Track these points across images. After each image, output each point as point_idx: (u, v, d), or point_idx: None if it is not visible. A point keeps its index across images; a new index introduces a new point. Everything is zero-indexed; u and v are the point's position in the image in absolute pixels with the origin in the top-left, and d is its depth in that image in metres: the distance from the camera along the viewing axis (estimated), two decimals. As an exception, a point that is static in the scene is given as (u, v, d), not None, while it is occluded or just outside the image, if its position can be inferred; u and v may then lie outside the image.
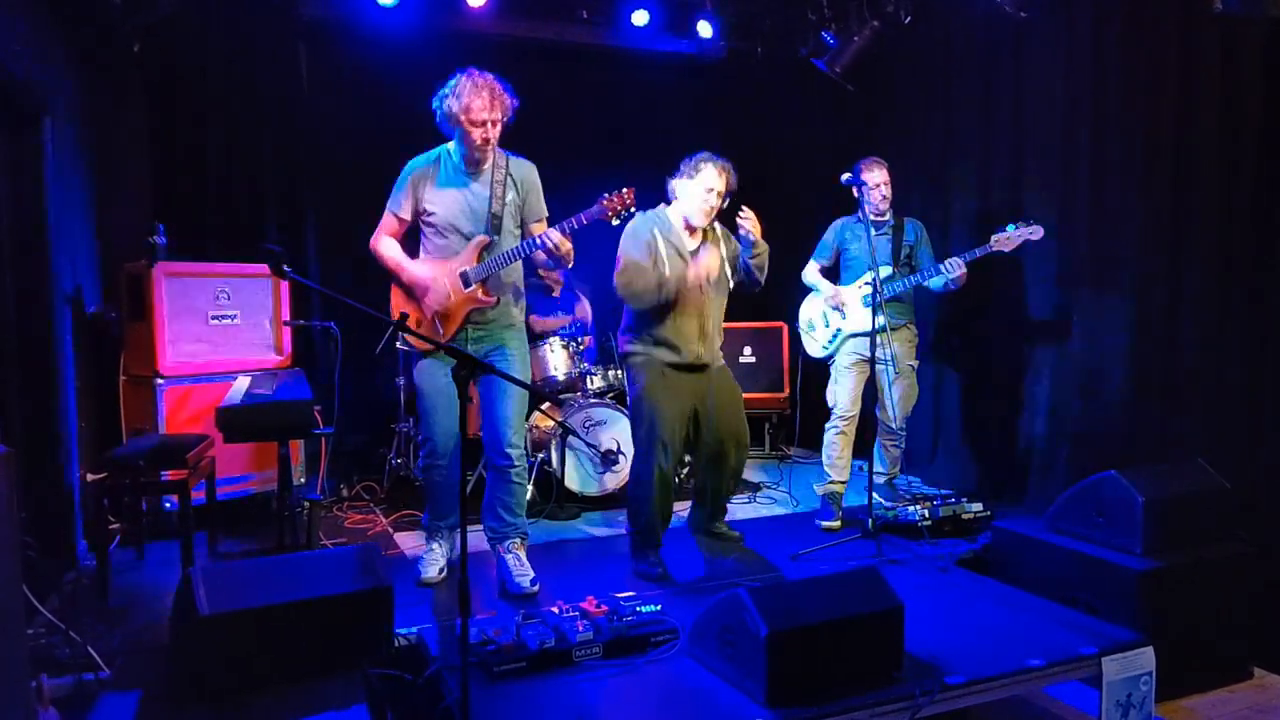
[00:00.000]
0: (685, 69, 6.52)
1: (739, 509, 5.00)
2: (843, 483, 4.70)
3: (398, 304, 3.74)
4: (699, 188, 3.83)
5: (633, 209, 3.47)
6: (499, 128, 3.50)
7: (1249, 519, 3.59)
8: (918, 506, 4.31)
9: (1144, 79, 4.16)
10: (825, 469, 4.71)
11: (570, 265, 3.73)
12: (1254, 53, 3.68)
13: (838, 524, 4.55)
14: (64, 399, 4.04)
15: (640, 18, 5.88)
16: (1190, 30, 3.94)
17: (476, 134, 3.46)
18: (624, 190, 3.45)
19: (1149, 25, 4.13)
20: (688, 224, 3.92)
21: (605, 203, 3.47)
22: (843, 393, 4.65)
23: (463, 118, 3.44)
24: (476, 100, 3.41)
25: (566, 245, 3.54)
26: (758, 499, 5.27)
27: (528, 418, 5.22)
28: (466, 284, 3.58)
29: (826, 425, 4.74)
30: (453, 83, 3.47)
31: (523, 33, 5.89)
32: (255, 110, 5.50)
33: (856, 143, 4.85)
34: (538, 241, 3.52)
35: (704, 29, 5.93)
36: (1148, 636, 3.00)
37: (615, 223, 3.50)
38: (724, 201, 3.89)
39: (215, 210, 5.42)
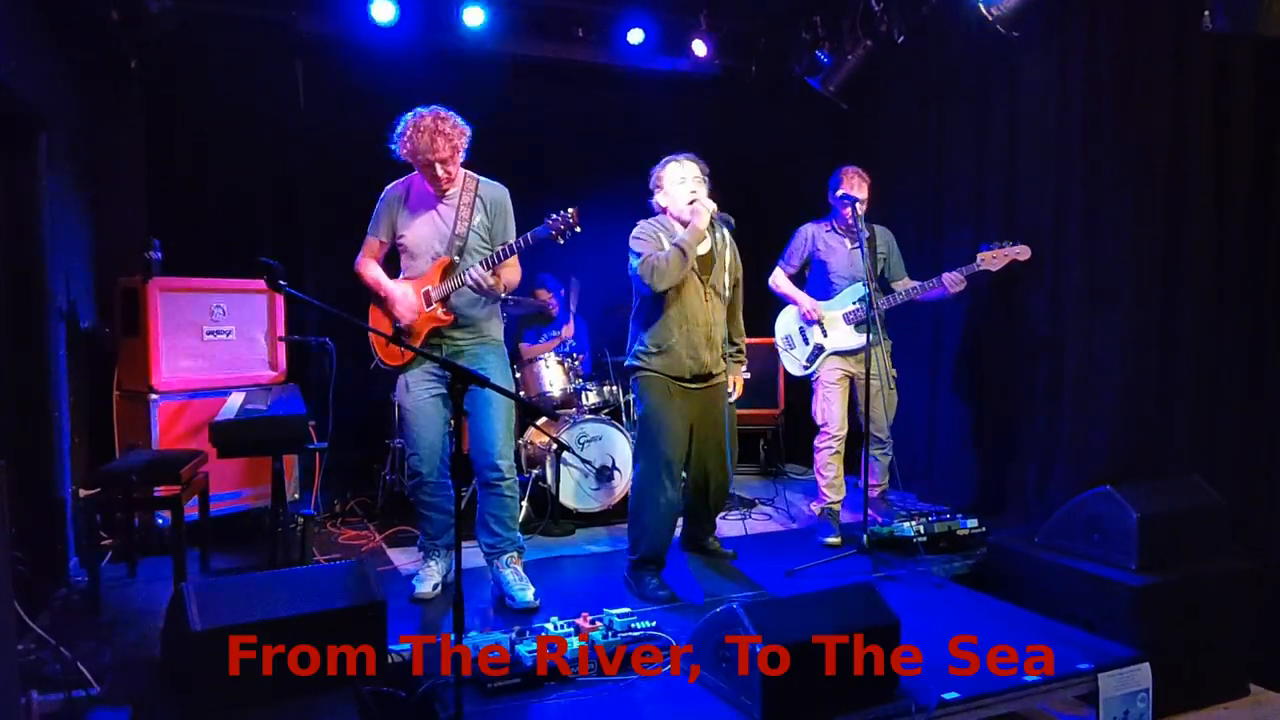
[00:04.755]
0: (680, 87, 6.56)
1: (733, 525, 4.98)
2: (840, 501, 4.70)
3: (374, 323, 3.82)
4: (673, 186, 3.89)
5: (577, 229, 3.49)
6: (452, 161, 3.61)
7: (1245, 535, 3.59)
8: (913, 522, 4.30)
9: (1137, 97, 4.19)
10: (823, 489, 4.67)
11: (502, 296, 3.75)
12: (1245, 69, 3.72)
13: (839, 540, 4.51)
14: (57, 413, 4.03)
15: (636, 36, 5.92)
16: (1182, 48, 3.97)
17: (427, 173, 3.61)
18: (569, 210, 3.48)
19: (1141, 44, 4.17)
20: (683, 221, 3.91)
21: (550, 222, 3.51)
22: (835, 409, 4.62)
23: (411, 159, 3.60)
24: (420, 143, 3.53)
25: (489, 280, 3.56)
26: (752, 515, 5.26)
27: (522, 434, 5.25)
28: (428, 303, 3.67)
29: (818, 444, 4.71)
30: (400, 126, 3.59)
31: (520, 51, 5.92)
32: (252, 126, 5.51)
33: (851, 160, 4.87)
34: (464, 279, 3.58)
35: (699, 48, 5.98)
36: (1144, 653, 3.00)
37: (561, 242, 3.53)
38: (706, 184, 3.88)
39: (211, 225, 5.42)
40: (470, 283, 3.56)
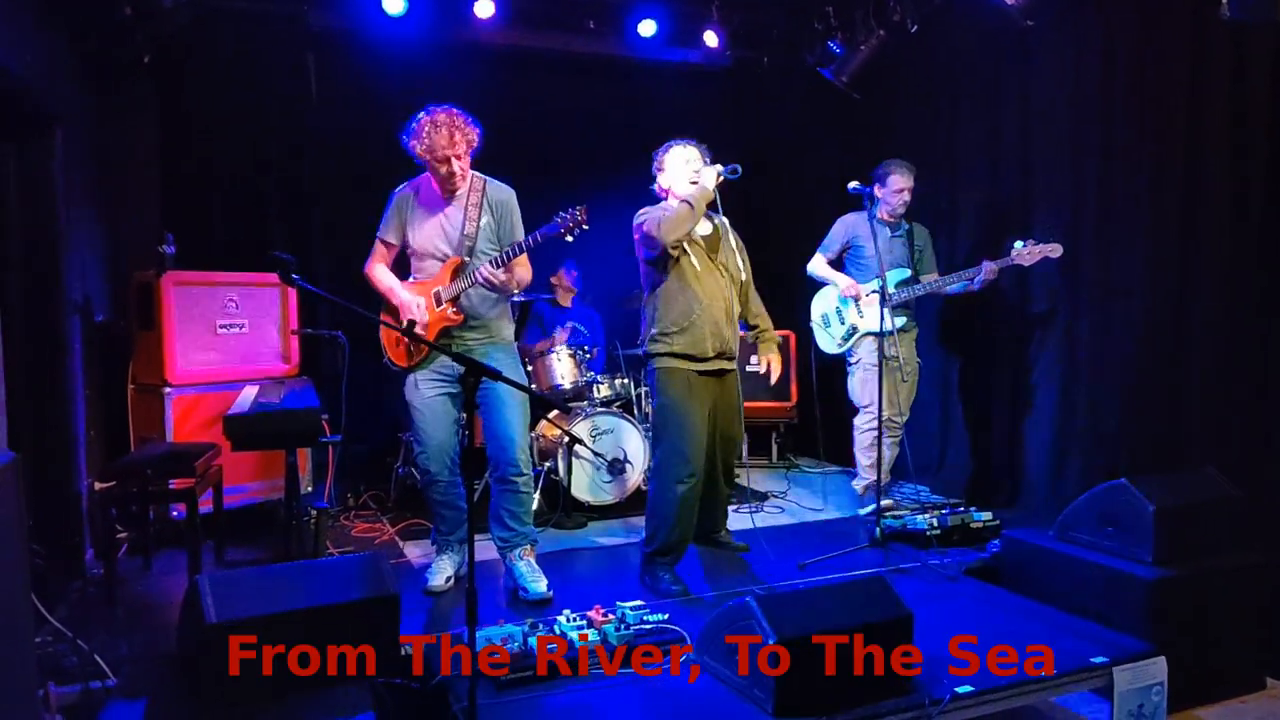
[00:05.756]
0: (692, 78, 6.55)
1: (746, 519, 4.97)
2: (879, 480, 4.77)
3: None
4: (676, 167, 3.93)
5: (585, 227, 3.50)
6: (464, 159, 3.62)
7: (1261, 528, 3.56)
8: (926, 515, 4.29)
9: (1152, 88, 4.15)
10: (866, 469, 4.80)
11: (514, 293, 3.76)
12: (1263, 59, 3.67)
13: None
14: (72, 407, 4.05)
15: (647, 28, 5.90)
16: (1199, 39, 3.92)
17: (442, 169, 3.60)
18: (578, 208, 3.49)
19: (1157, 34, 4.12)
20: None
21: (559, 220, 3.51)
22: (876, 390, 4.62)
23: (426, 156, 3.59)
24: (437, 139, 3.53)
25: (501, 278, 3.56)
26: (765, 508, 5.25)
27: (534, 427, 5.25)
28: (438, 303, 3.67)
29: (860, 424, 4.84)
30: (414, 123, 3.59)
31: (530, 43, 5.92)
32: (265, 120, 5.53)
33: (862, 151, 4.87)
34: (473, 277, 3.57)
35: (710, 39, 5.95)
36: (1159, 646, 2.98)
37: (569, 240, 3.53)
38: (707, 163, 3.92)
39: (224, 220, 5.44)
40: (481, 280, 3.55)
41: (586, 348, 5.43)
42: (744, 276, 4.03)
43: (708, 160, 3.94)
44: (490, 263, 3.57)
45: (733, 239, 4.04)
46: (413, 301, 3.69)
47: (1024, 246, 4.39)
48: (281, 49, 5.52)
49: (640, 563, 3.93)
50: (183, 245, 4.61)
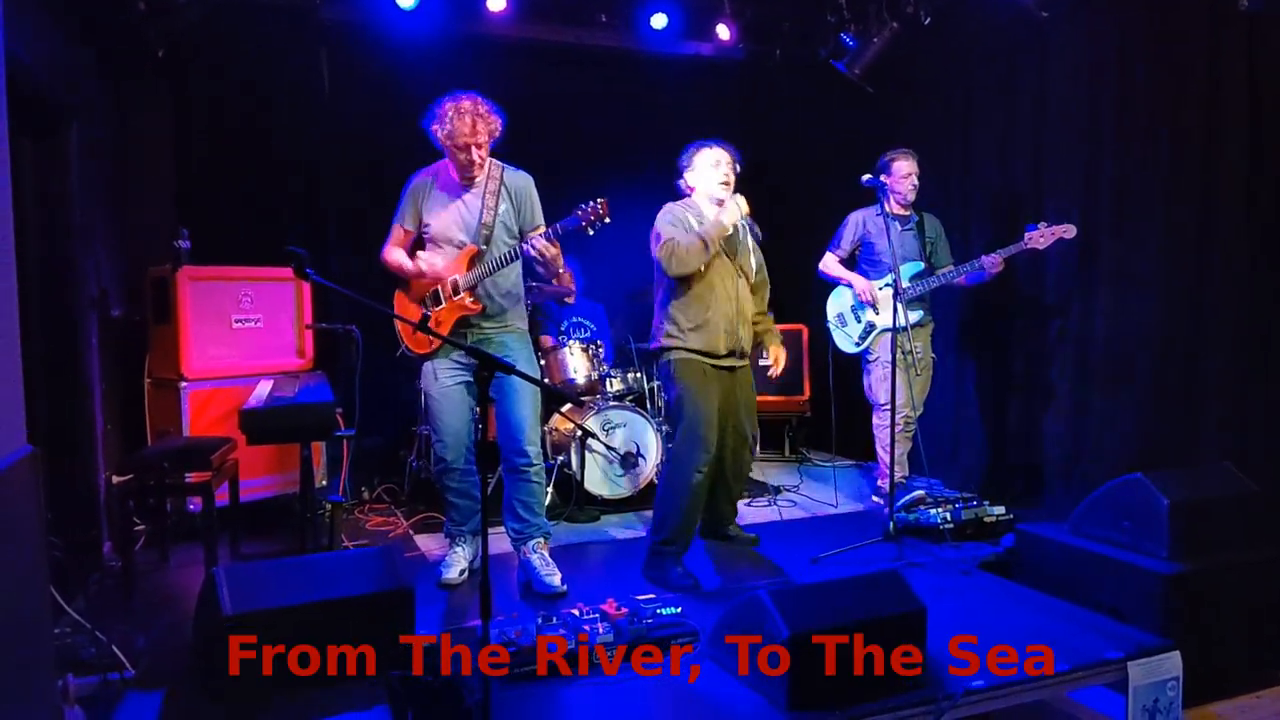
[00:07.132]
0: (704, 71, 6.52)
1: (757, 513, 4.98)
2: (904, 478, 4.80)
3: (399, 309, 3.84)
4: (705, 167, 3.96)
5: (607, 219, 3.50)
6: (485, 147, 3.64)
7: (1276, 523, 3.54)
8: (939, 509, 4.28)
9: (1169, 80, 4.12)
10: (887, 466, 4.74)
11: (560, 270, 3.76)
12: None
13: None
14: (89, 401, 4.09)
15: (659, 21, 5.87)
16: (1216, 30, 3.89)
17: (462, 156, 3.62)
18: (599, 201, 3.48)
19: (1174, 26, 4.09)
20: (715, 200, 3.96)
21: (580, 213, 3.50)
22: (901, 387, 4.60)
23: (447, 142, 3.60)
24: (460, 126, 3.55)
25: (552, 250, 3.59)
26: (778, 502, 5.25)
27: (547, 420, 5.26)
28: (455, 292, 3.68)
29: (881, 423, 4.82)
30: (438, 108, 3.61)
31: (542, 36, 5.91)
32: (278, 114, 5.54)
33: (876, 144, 4.85)
34: (523, 249, 3.60)
35: (723, 32, 5.93)
36: (1174, 641, 2.97)
37: (591, 233, 3.53)
38: (736, 169, 3.97)
39: (238, 214, 5.46)
40: (534, 253, 3.56)
41: (598, 343, 5.43)
42: (754, 277, 4.05)
43: (738, 165, 3.96)
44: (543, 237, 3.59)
45: (751, 243, 4.07)
46: (427, 259, 3.70)
47: (1036, 230, 4.37)
48: (294, 43, 5.53)
49: (646, 553, 3.92)
50: (197, 240, 4.64)
